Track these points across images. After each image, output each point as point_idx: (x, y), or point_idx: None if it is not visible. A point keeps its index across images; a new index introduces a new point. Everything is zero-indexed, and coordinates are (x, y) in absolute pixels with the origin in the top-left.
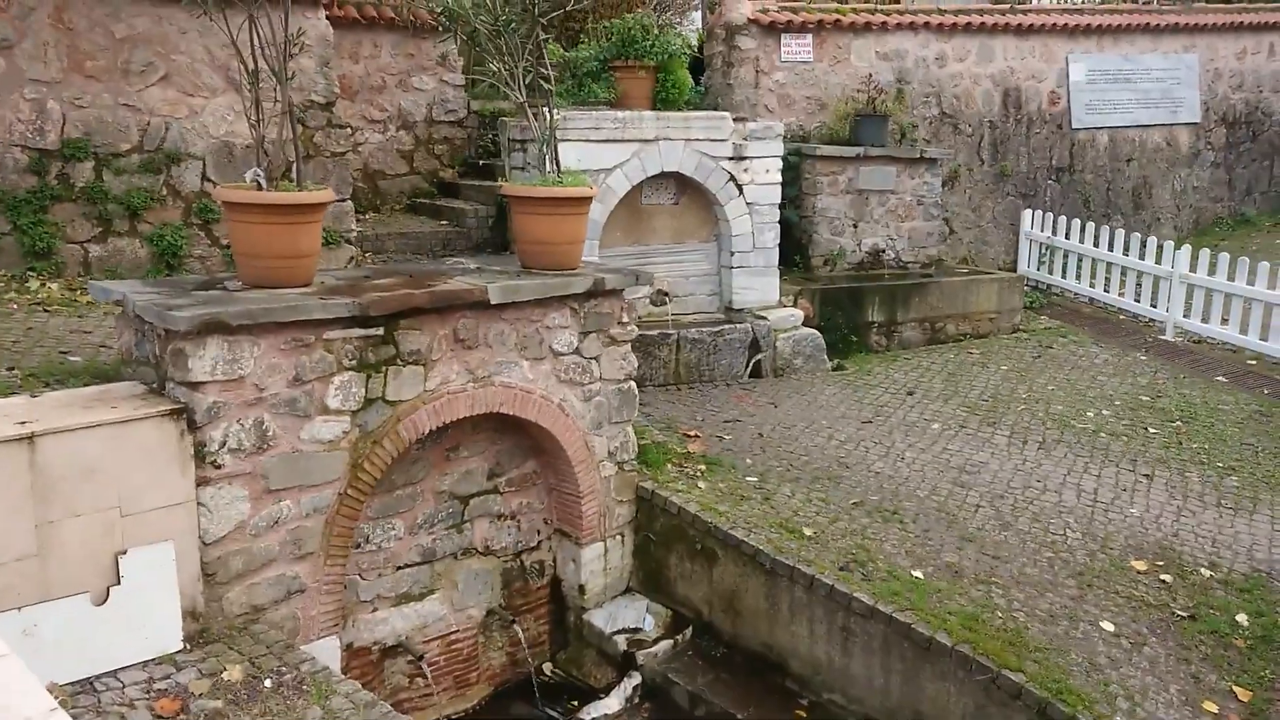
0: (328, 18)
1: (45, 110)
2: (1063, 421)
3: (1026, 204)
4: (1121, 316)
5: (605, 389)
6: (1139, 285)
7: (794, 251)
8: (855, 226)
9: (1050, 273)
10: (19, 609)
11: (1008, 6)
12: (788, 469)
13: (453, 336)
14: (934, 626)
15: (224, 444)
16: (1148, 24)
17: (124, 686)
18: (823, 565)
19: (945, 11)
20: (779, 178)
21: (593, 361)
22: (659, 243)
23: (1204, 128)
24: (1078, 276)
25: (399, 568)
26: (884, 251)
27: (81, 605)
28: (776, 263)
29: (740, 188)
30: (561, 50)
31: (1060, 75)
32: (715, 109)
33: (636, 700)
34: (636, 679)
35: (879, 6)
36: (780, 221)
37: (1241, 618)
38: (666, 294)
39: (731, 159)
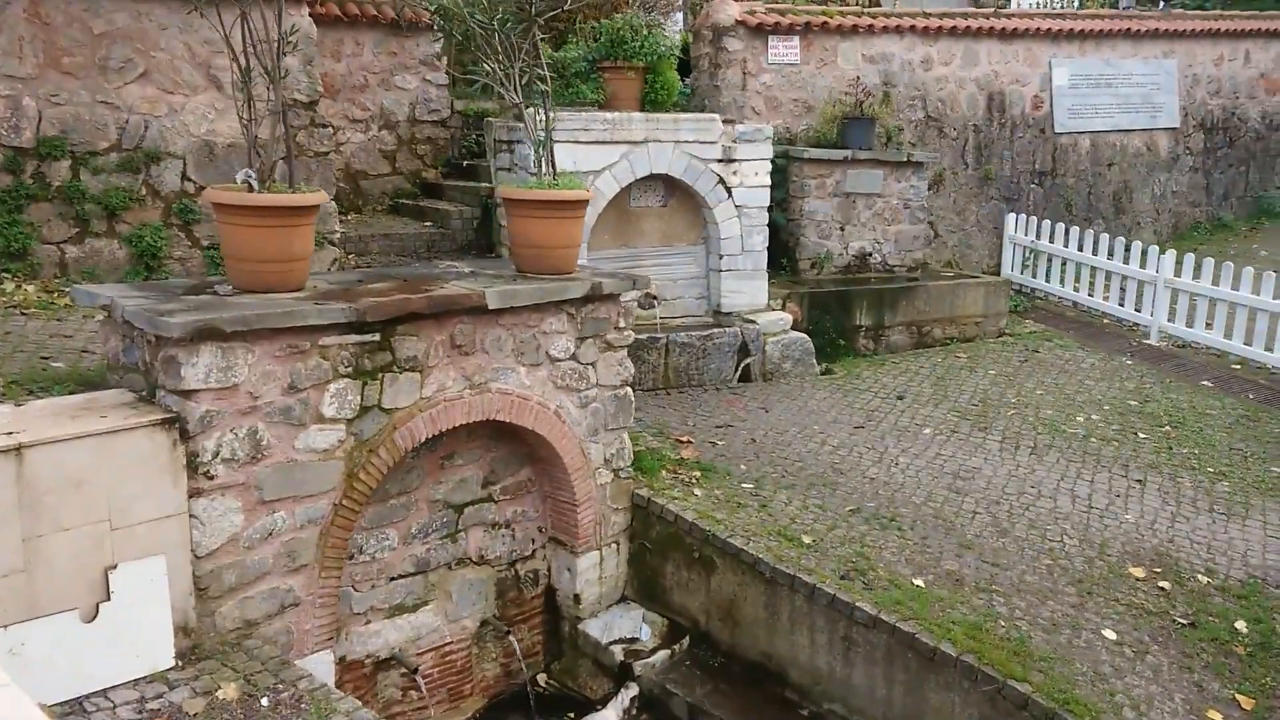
0: (309, 15)
1: (20, 107)
2: (1053, 426)
3: (1010, 208)
4: (1106, 321)
5: (602, 395)
6: (1123, 289)
7: (781, 254)
8: (842, 229)
9: (1034, 276)
10: (5, 627)
11: (991, 10)
12: (783, 475)
13: (449, 342)
14: (938, 636)
15: (217, 454)
16: (1129, 29)
17: (115, 706)
18: (823, 574)
19: (931, 14)
20: (768, 180)
21: (589, 367)
22: (647, 245)
23: (1183, 133)
24: (1061, 280)
25: (392, 579)
26: (870, 255)
27: (70, 622)
28: (765, 266)
29: (729, 190)
30: (550, 50)
31: (1043, 79)
32: (702, 110)
33: (634, 712)
34: (634, 690)
35: (865, 9)
36: (767, 224)
37: (1240, 625)
38: (655, 297)
39: (721, 161)
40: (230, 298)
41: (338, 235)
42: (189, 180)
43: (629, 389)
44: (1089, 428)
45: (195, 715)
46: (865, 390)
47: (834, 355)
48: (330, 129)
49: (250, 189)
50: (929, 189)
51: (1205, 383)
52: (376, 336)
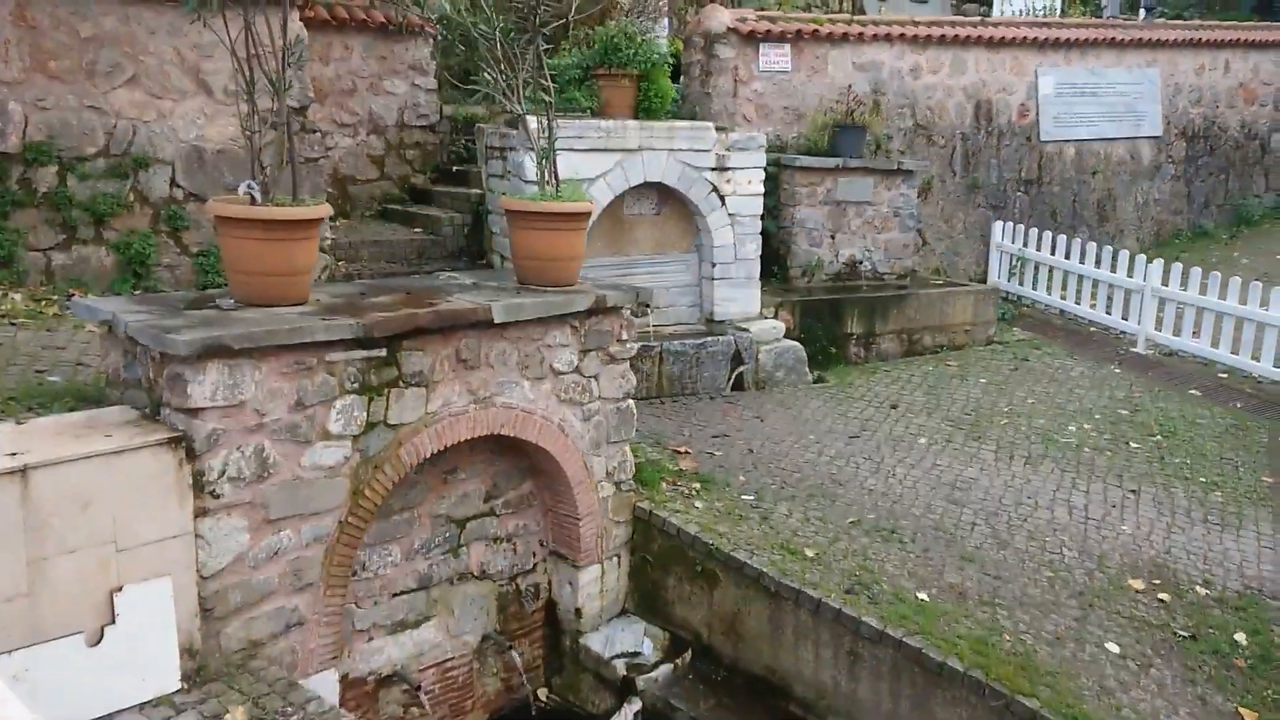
0: (300, 19)
1: (6, 111)
2: (1046, 436)
3: (996, 215)
4: (1093, 329)
5: (604, 408)
6: (1110, 298)
7: (772, 262)
8: (833, 237)
9: (1020, 284)
10: (9, 652)
11: (979, 19)
12: (782, 486)
13: (455, 357)
14: (945, 651)
15: (223, 473)
16: (1113, 39)
17: None
18: (828, 588)
19: (920, 23)
20: (761, 189)
21: (592, 380)
22: (640, 253)
23: (1165, 142)
24: (1048, 288)
25: (395, 595)
26: (861, 263)
27: (75, 646)
28: (758, 274)
29: (723, 199)
30: (518, 50)
31: (1030, 88)
32: (693, 117)
33: None
34: (637, 704)
35: (854, 18)
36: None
37: (1240, 637)
38: (647, 305)
39: (714, 170)
40: (234, 312)
41: (328, 242)
42: (178, 186)
43: (631, 401)
44: (1081, 437)
45: None
46: (859, 399)
47: (826, 363)
48: (319, 134)
49: (253, 201)
50: (918, 197)
51: (1193, 391)
52: (383, 352)
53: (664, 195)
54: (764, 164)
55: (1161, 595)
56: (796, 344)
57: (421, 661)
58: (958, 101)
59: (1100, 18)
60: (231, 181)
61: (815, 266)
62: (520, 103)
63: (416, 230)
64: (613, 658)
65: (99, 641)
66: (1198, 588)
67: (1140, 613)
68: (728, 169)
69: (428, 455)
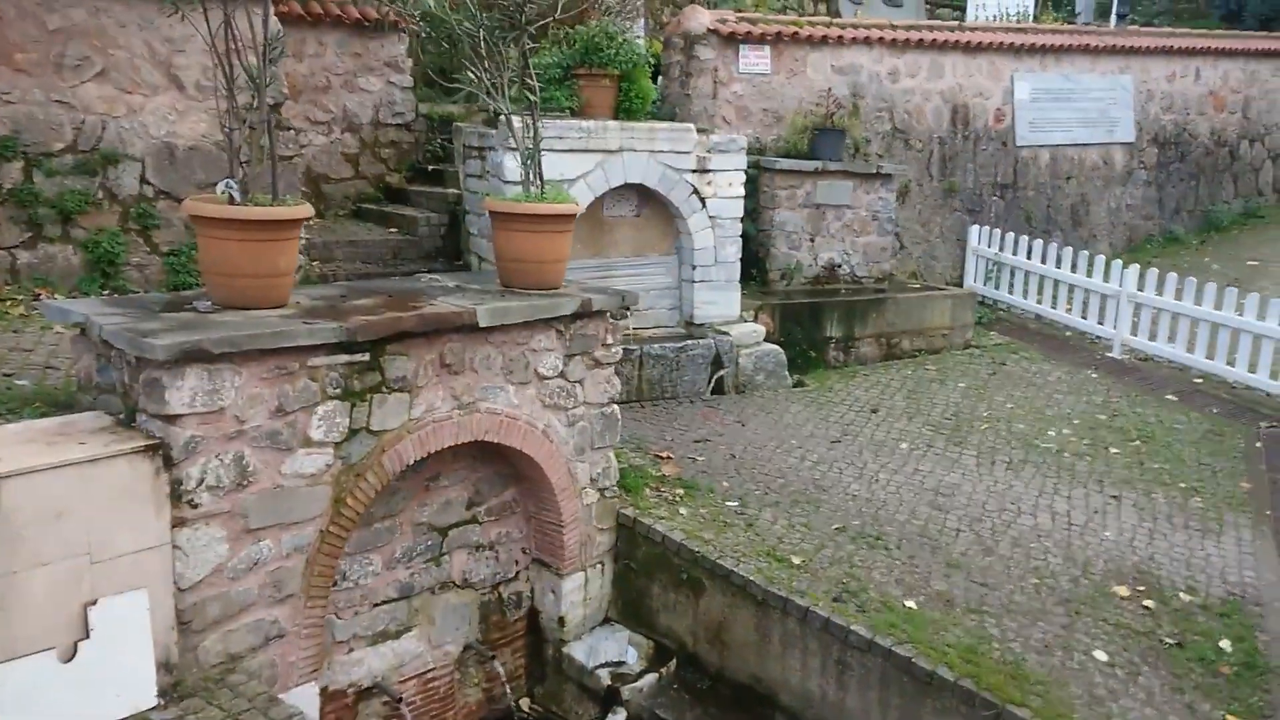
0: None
1: None
2: (1026, 441)
3: (972, 219)
4: (1068, 333)
5: (589, 413)
6: (1085, 302)
7: (750, 265)
8: (812, 240)
9: (996, 288)
10: None
11: (957, 24)
12: (765, 492)
13: (439, 361)
14: (935, 660)
15: (202, 481)
16: (1087, 45)
17: None
18: (816, 596)
19: (898, 26)
20: (742, 191)
21: (577, 385)
22: (619, 255)
23: (1137, 148)
24: (1024, 293)
25: (376, 605)
26: (839, 266)
27: (47, 663)
28: (738, 277)
29: (703, 201)
30: (507, 50)
31: (1006, 93)
32: (672, 119)
33: None
34: (622, 714)
35: (834, 20)
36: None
37: (1225, 644)
38: (628, 308)
39: (695, 172)
40: (212, 315)
41: (303, 242)
42: (148, 184)
43: (615, 407)
44: (1061, 442)
45: None
46: (839, 403)
47: (805, 367)
48: (293, 132)
49: (232, 200)
50: (895, 200)
51: (1170, 396)
52: (366, 356)
53: (644, 197)
54: (745, 166)
55: (1146, 602)
56: (777, 348)
57: (402, 672)
58: (935, 106)
59: (1073, 23)
60: (204, 179)
61: (794, 270)
62: (506, 102)
63: (392, 230)
64: (596, 667)
65: (72, 657)
66: (1181, 594)
67: (1126, 620)
68: (708, 171)
69: (411, 462)
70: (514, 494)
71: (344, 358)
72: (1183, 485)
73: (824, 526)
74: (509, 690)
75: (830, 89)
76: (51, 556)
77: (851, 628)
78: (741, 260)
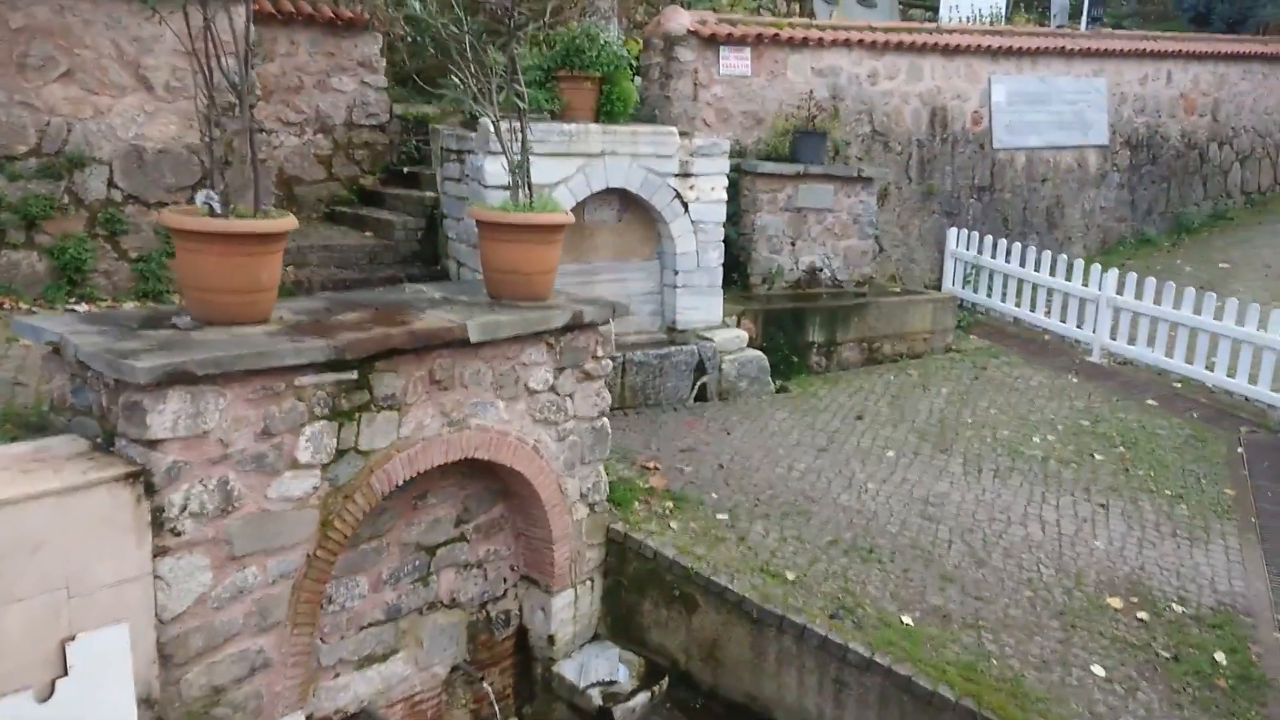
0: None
1: None
2: (1012, 448)
3: (950, 222)
4: (1047, 336)
5: (579, 427)
6: (1065, 306)
7: (732, 269)
8: (793, 244)
9: (975, 291)
10: None
11: (935, 26)
12: (755, 504)
13: (429, 378)
14: (935, 678)
15: (185, 508)
16: (1063, 48)
17: None
18: (812, 613)
19: (877, 28)
20: (725, 195)
21: (567, 399)
22: (601, 260)
23: (1111, 150)
24: (1003, 296)
25: (362, 628)
26: (820, 270)
27: (23, 704)
28: (721, 282)
29: (686, 205)
30: (494, 55)
31: (983, 95)
32: (652, 121)
33: None
34: None
35: (813, 22)
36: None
37: (1219, 656)
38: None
39: (678, 176)
40: (193, 333)
41: None
42: (116, 188)
43: (606, 420)
44: (1046, 449)
45: None
46: (823, 410)
47: (787, 373)
48: (265, 133)
49: (212, 212)
50: (876, 204)
51: (1150, 401)
52: (354, 375)
53: (626, 201)
54: (728, 170)
55: (1140, 614)
56: (760, 354)
57: (389, 697)
58: (914, 108)
59: (1045, 25)
60: (174, 183)
61: (776, 274)
62: (495, 108)
63: (367, 234)
64: (588, 687)
65: (49, 696)
66: (1174, 605)
67: (1121, 633)
68: (691, 175)
69: (400, 483)
70: (502, 510)
71: (332, 376)
72: (1168, 492)
73: (816, 539)
74: (498, 711)
75: (811, 91)
76: (27, 591)
77: (850, 645)
78: (723, 264)
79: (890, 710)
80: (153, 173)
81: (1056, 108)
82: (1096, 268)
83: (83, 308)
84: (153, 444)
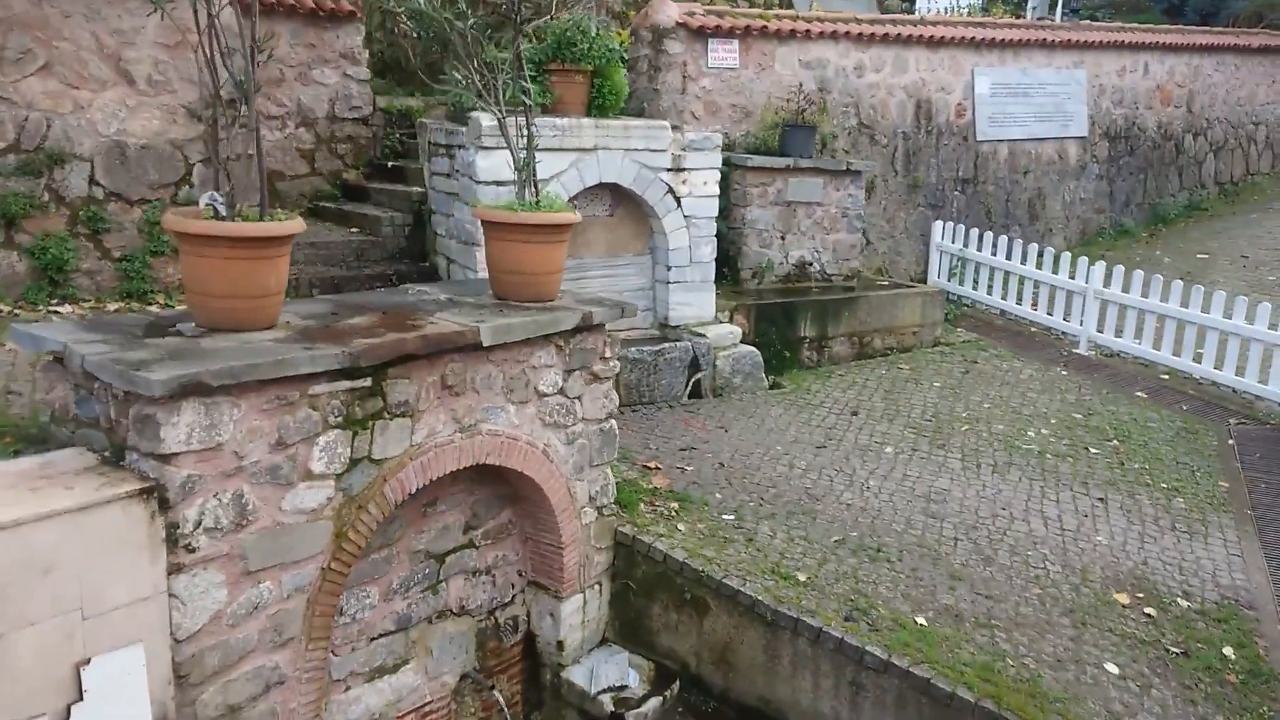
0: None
1: None
2: (1008, 442)
3: (935, 215)
4: (1034, 329)
5: (587, 430)
6: (1051, 299)
7: (722, 264)
8: (783, 238)
9: (960, 284)
10: None
11: (919, 18)
12: (760, 504)
13: (441, 383)
14: (953, 680)
15: (199, 523)
16: (1044, 40)
17: None
18: (826, 615)
19: (863, 20)
20: (717, 190)
21: (576, 401)
22: (593, 256)
23: (1090, 142)
24: (989, 289)
25: (373, 639)
26: (810, 264)
27: None
28: (713, 277)
29: (678, 200)
30: (494, 50)
31: (967, 88)
32: (641, 114)
33: None
34: None
35: (801, 14)
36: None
37: (1228, 651)
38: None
39: (670, 170)
40: (201, 340)
41: None
42: (98, 185)
43: (614, 422)
44: (1041, 443)
45: None
46: (818, 405)
47: (780, 368)
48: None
49: (217, 215)
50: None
51: (1139, 394)
52: (368, 382)
53: (618, 196)
54: (720, 164)
55: (1148, 610)
56: (753, 349)
57: (400, 708)
58: (899, 100)
59: (1022, 17)
60: (157, 180)
61: (766, 268)
62: (501, 105)
63: (353, 230)
64: (599, 693)
65: None
66: (1179, 600)
67: (1131, 629)
68: (683, 169)
69: (413, 490)
70: (510, 515)
71: (346, 384)
72: (1164, 486)
73: (823, 539)
74: (508, 718)
75: (800, 84)
76: (40, 615)
77: (866, 648)
78: (714, 259)
79: (908, 712)
80: (135, 169)
81: (1038, 100)
82: (1084, 260)
83: (66, 309)
84: (166, 458)
